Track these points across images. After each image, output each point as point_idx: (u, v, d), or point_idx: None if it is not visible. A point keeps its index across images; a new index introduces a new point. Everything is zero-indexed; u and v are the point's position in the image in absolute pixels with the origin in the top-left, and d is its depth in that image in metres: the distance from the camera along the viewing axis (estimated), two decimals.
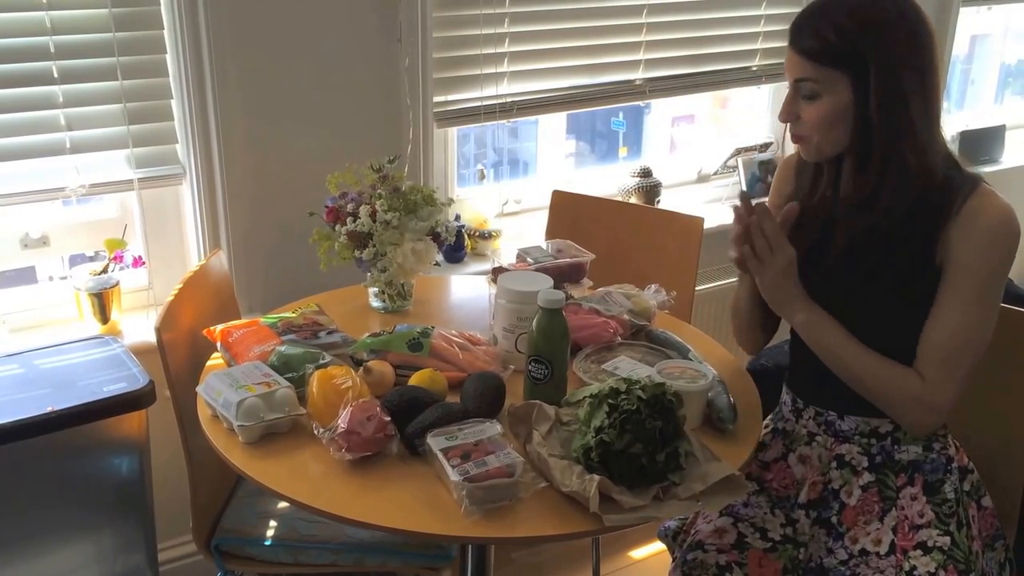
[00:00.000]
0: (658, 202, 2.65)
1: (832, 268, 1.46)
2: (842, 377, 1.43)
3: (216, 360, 1.62)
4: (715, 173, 2.93)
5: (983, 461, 1.57)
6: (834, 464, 1.51)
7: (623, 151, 2.88)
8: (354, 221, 1.73)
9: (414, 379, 1.48)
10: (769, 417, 1.64)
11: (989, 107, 3.60)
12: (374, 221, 1.73)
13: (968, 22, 3.21)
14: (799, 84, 1.38)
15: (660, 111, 2.89)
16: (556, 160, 2.82)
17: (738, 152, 2.87)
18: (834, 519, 1.50)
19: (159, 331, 1.53)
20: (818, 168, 1.50)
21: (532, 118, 2.60)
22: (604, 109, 2.67)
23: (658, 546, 2.13)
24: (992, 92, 3.63)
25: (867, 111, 1.34)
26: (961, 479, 1.49)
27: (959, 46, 3.27)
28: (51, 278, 2.06)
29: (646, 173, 2.65)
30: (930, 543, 1.42)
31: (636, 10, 2.46)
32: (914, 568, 1.40)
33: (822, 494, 1.52)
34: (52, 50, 1.81)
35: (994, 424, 1.58)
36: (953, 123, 3.34)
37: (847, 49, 1.33)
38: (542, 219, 2.33)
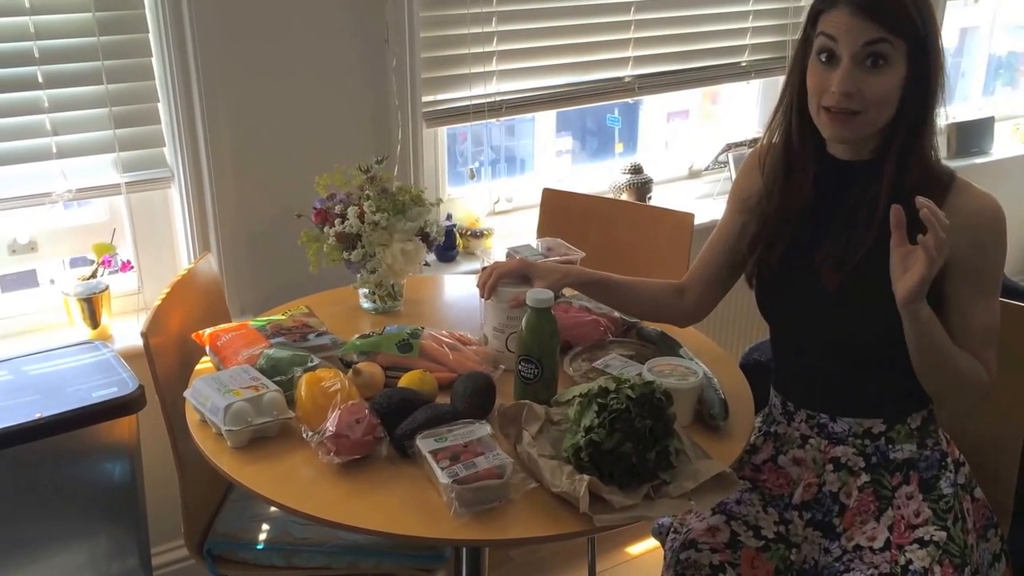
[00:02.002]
0: (649, 199, 2.65)
1: (820, 270, 1.43)
2: (927, 371, 1.37)
3: (205, 364, 1.61)
4: (706, 169, 2.92)
5: (976, 454, 1.57)
6: (830, 467, 1.50)
7: (619, 147, 2.87)
8: (342, 222, 1.73)
9: (404, 380, 1.48)
10: (759, 419, 1.63)
11: (978, 99, 3.60)
12: (362, 222, 1.72)
13: (957, 15, 3.21)
14: (868, 48, 1.29)
15: (654, 107, 2.89)
16: (550, 158, 2.82)
17: (729, 147, 2.87)
18: (835, 521, 1.49)
19: (146, 336, 1.52)
20: (791, 161, 1.46)
21: (529, 115, 2.59)
22: (596, 106, 2.66)
23: (654, 542, 2.13)
24: (981, 84, 3.63)
25: (922, 90, 1.32)
26: (955, 472, 1.49)
27: (949, 39, 3.27)
28: (52, 281, 2.05)
29: (637, 170, 2.64)
30: (927, 537, 1.41)
31: (624, 7, 2.46)
32: (910, 562, 1.39)
33: (817, 496, 1.51)
34: (36, 55, 1.80)
35: (987, 417, 1.58)
36: (943, 115, 3.33)
37: (918, 18, 1.29)
38: (535, 217, 2.33)
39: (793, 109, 1.44)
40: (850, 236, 1.40)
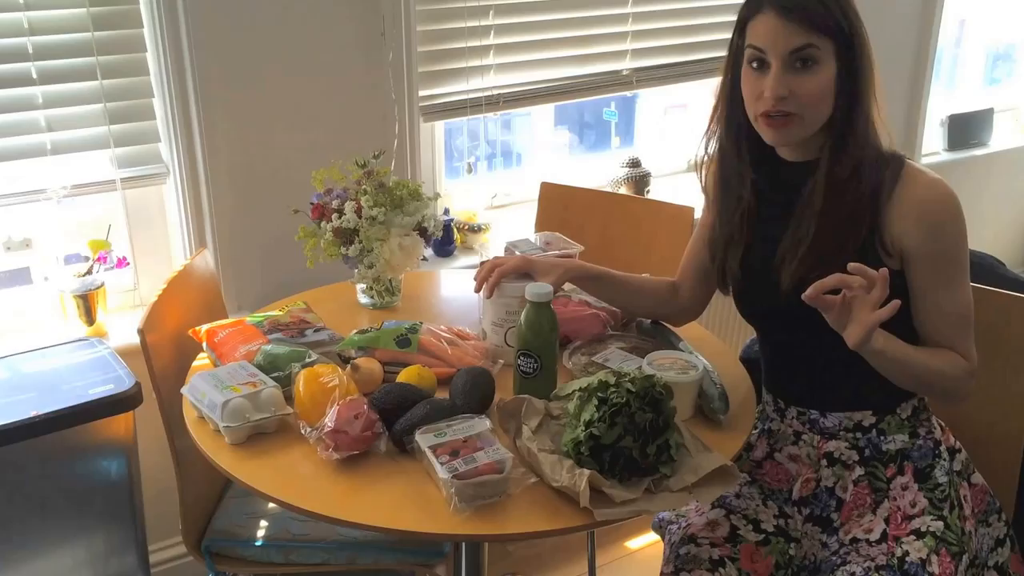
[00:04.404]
0: (648, 192, 2.64)
1: (780, 271, 1.42)
2: (904, 384, 1.40)
3: (202, 360, 1.60)
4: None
5: (975, 440, 1.57)
6: (824, 462, 1.50)
7: (616, 141, 2.87)
8: (339, 217, 1.72)
9: (402, 375, 1.47)
10: (755, 416, 1.62)
11: (978, 91, 3.60)
12: (360, 217, 1.71)
13: (956, 6, 3.21)
14: (798, 53, 1.30)
15: (652, 100, 2.88)
16: (547, 151, 2.81)
17: None
18: (833, 516, 1.49)
19: (142, 333, 1.51)
20: (728, 169, 1.46)
21: (524, 110, 2.58)
22: (594, 100, 2.66)
23: (653, 537, 2.12)
24: (980, 76, 3.63)
25: (854, 84, 1.33)
26: (950, 460, 1.48)
27: (948, 30, 3.26)
28: (46, 278, 2.04)
29: (635, 163, 2.64)
30: (923, 528, 1.41)
31: None
32: (906, 554, 1.39)
33: (815, 492, 1.51)
34: (30, 51, 1.79)
35: (985, 403, 1.58)
36: (942, 107, 3.33)
37: (841, 15, 1.31)
38: (533, 211, 2.32)
39: (726, 117, 1.44)
40: (797, 235, 1.40)
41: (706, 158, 1.53)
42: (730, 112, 1.43)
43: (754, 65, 1.35)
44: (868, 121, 1.36)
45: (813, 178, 1.39)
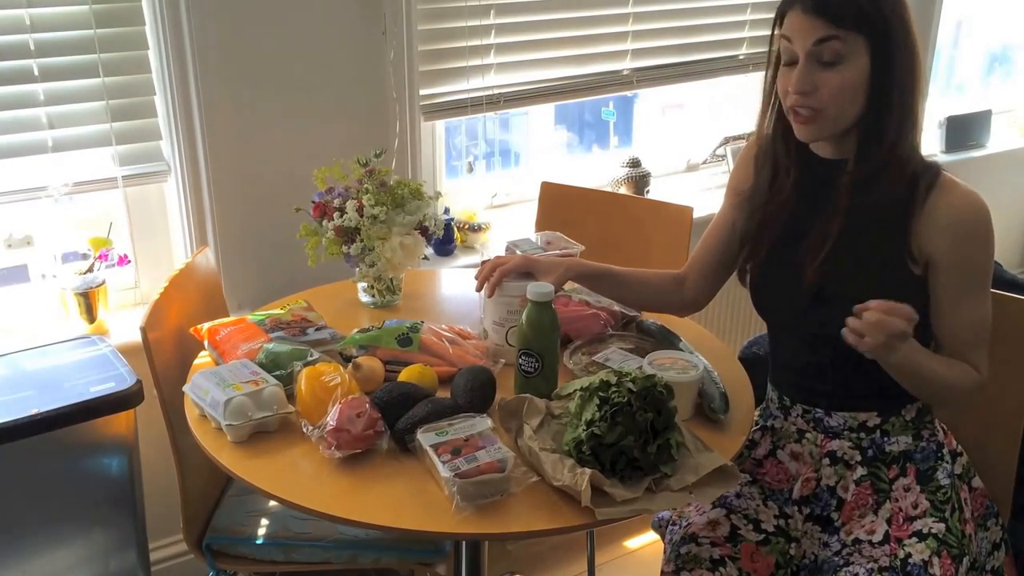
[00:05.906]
0: (647, 192, 2.65)
1: (804, 265, 1.43)
2: (913, 390, 1.40)
3: (204, 359, 1.61)
4: (704, 162, 2.92)
5: (975, 444, 1.58)
6: (827, 461, 1.50)
7: (614, 140, 2.87)
8: (341, 216, 1.72)
9: (404, 374, 1.48)
10: (757, 414, 1.62)
11: (975, 92, 3.60)
12: (361, 216, 1.72)
13: (954, 7, 3.21)
14: (820, 47, 1.29)
15: (650, 100, 2.89)
16: (546, 151, 2.81)
17: (727, 141, 2.87)
18: (833, 515, 1.49)
19: (144, 330, 1.51)
20: (776, 161, 1.47)
21: (522, 109, 2.58)
22: (593, 99, 2.66)
23: (653, 536, 2.13)
24: (978, 77, 3.63)
25: (886, 82, 1.31)
26: (952, 463, 1.49)
27: (945, 31, 3.27)
28: (44, 276, 2.04)
29: (635, 163, 2.64)
30: (925, 530, 1.41)
31: None
32: (909, 555, 1.39)
33: (815, 491, 1.51)
34: (32, 48, 1.79)
35: (985, 408, 1.59)
36: (940, 109, 3.34)
37: (874, 11, 1.28)
38: (533, 210, 2.32)
39: (772, 110, 1.45)
40: (826, 232, 1.40)
41: (749, 146, 1.53)
42: (776, 105, 1.43)
43: (785, 60, 1.36)
44: (904, 123, 1.34)
45: (842, 177, 1.39)
